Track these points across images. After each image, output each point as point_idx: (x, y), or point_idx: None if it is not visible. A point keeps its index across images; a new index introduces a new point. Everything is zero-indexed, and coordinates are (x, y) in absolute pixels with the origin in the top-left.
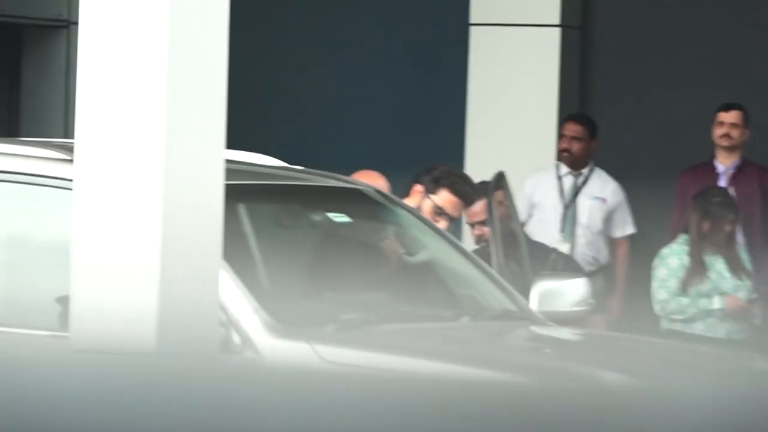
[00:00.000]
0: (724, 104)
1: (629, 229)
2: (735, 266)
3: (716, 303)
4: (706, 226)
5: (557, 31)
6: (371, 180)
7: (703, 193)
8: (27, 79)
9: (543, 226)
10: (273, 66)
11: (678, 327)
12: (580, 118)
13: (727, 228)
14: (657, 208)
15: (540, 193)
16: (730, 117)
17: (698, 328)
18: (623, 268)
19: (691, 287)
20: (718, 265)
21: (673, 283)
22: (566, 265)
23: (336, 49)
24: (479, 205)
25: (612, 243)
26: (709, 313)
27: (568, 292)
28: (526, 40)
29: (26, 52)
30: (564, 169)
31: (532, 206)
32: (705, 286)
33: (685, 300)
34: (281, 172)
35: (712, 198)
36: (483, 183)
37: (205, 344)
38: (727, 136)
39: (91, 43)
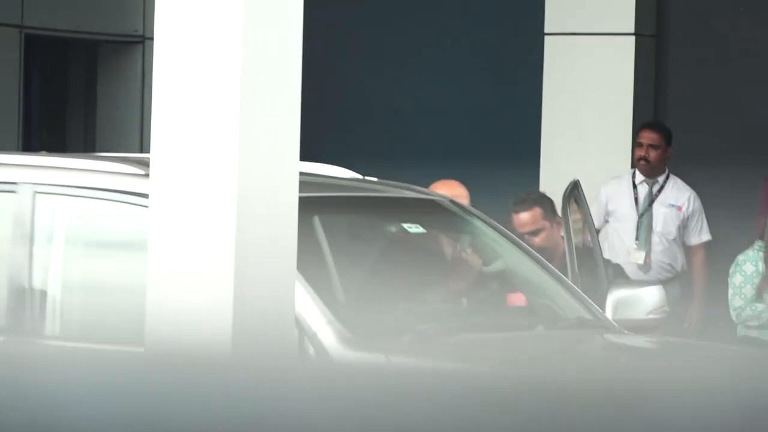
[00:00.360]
0: None
1: (705, 237)
2: None
3: None
4: None
5: (632, 39)
6: (451, 189)
7: None
8: (103, 94)
9: (618, 235)
10: (348, 76)
11: (754, 333)
12: (656, 125)
13: None
14: (739, 215)
15: (615, 201)
16: None
17: None
18: (700, 276)
19: (766, 293)
20: None
21: (749, 290)
22: (615, 275)
23: (411, 58)
24: (527, 216)
25: (688, 251)
26: None
27: (644, 300)
28: (600, 49)
29: (102, 67)
30: (639, 177)
31: (608, 214)
32: None
33: (760, 306)
34: (355, 184)
35: None
36: (529, 193)
37: (282, 355)
38: None
39: (166, 57)
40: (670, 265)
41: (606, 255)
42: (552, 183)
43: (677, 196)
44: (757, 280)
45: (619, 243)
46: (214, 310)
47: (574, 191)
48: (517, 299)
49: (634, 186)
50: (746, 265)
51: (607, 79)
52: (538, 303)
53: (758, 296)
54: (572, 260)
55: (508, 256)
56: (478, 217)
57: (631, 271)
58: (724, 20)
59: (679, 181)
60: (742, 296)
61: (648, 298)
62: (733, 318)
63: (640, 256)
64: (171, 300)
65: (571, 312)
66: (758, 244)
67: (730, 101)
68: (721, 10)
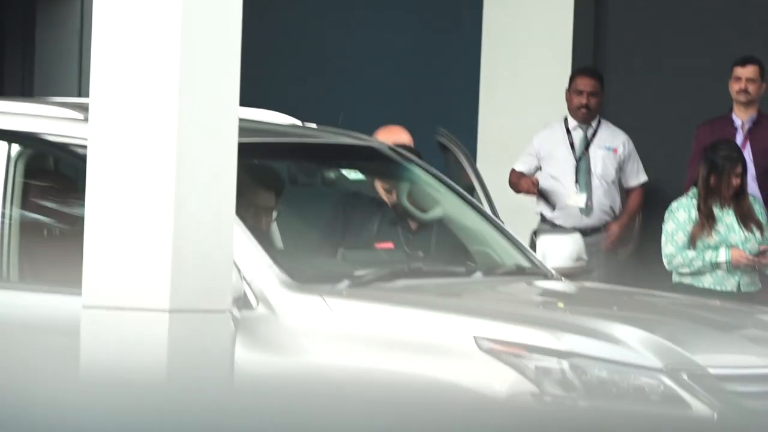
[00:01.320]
0: (740, 58)
1: (643, 178)
2: (746, 219)
3: (722, 255)
4: (713, 179)
5: None
6: (395, 134)
7: (711, 146)
8: (41, 37)
9: (556, 180)
10: (288, 19)
11: (687, 280)
12: (593, 72)
13: (735, 181)
14: (674, 162)
15: (549, 148)
16: (746, 72)
17: (707, 281)
18: (633, 209)
19: (698, 240)
20: (727, 218)
21: (681, 237)
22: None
23: (353, 4)
24: None
25: (626, 194)
26: (716, 266)
27: (568, 247)
28: None
29: (40, 9)
30: (573, 122)
31: (540, 160)
32: (712, 239)
33: (691, 253)
34: (295, 130)
35: (719, 151)
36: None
37: (220, 300)
38: (744, 91)
39: (105, 3)
40: (610, 207)
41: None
42: (490, 130)
43: (612, 139)
44: (689, 227)
45: (558, 188)
46: (153, 255)
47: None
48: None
49: (568, 132)
50: (679, 212)
51: (546, 26)
52: (476, 250)
53: (691, 243)
54: (487, 203)
55: (447, 203)
56: (417, 164)
57: (572, 214)
58: None
59: (611, 125)
60: (674, 243)
61: (572, 246)
62: (666, 265)
63: (581, 199)
64: (109, 244)
65: (509, 259)
66: (693, 191)
67: (670, 49)
68: None
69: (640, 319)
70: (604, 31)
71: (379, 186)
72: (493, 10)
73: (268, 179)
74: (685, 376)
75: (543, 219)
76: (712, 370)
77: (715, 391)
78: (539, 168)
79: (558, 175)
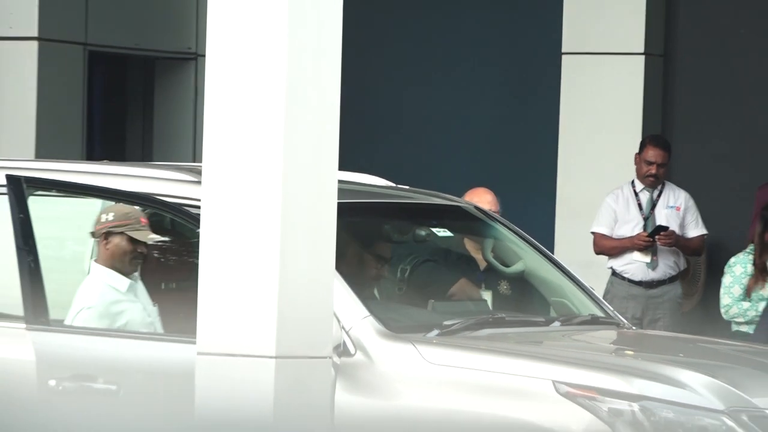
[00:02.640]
0: None
1: (702, 230)
2: None
3: None
4: (767, 236)
5: (641, 58)
6: (479, 196)
7: (766, 206)
8: (159, 107)
9: (630, 236)
10: (382, 92)
11: (744, 329)
12: (663, 143)
13: None
14: (737, 221)
15: (621, 209)
16: None
17: None
18: (690, 245)
19: (753, 292)
20: None
21: (737, 290)
22: None
23: (439, 74)
24: None
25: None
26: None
27: None
28: (612, 67)
29: (158, 82)
30: (639, 185)
31: (616, 218)
32: (766, 291)
33: (746, 304)
34: (389, 191)
35: None
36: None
37: (321, 347)
38: None
39: (216, 73)
40: (674, 262)
41: (617, 257)
42: (567, 190)
43: (675, 198)
44: (745, 281)
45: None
46: (260, 307)
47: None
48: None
49: (636, 194)
50: (736, 267)
51: (619, 95)
52: (554, 300)
53: (746, 295)
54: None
55: (528, 258)
56: (501, 223)
57: (640, 269)
58: (726, 41)
59: (673, 185)
60: (731, 295)
61: None
62: (723, 315)
63: (647, 256)
64: (221, 297)
65: (584, 309)
66: (750, 247)
67: (730, 115)
68: (723, 32)
69: (704, 365)
70: (671, 98)
71: (469, 244)
72: (570, 78)
73: (371, 238)
74: (745, 418)
75: (614, 273)
76: None
77: None
78: (616, 223)
79: (627, 233)
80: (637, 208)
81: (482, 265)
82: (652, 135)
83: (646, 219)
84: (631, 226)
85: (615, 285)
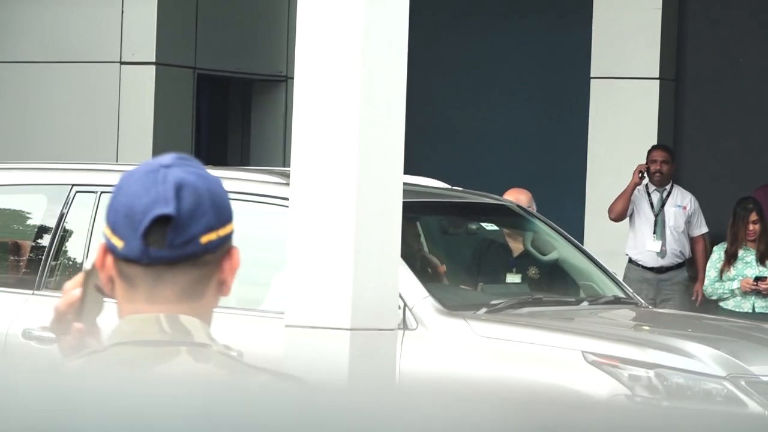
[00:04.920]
0: None
1: (704, 229)
2: (763, 257)
3: (735, 284)
4: (735, 226)
5: (656, 83)
6: (518, 194)
7: (737, 202)
8: (255, 122)
9: (643, 229)
10: (438, 109)
11: (729, 306)
12: (665, 146)
13: (751, 227)
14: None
15: (638, 205)
16: None
17: (730, 304)
18: (702, 260)
19: (724, 274)
20: (747, 257)
21: (712, 273)
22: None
23: (487, 94)
24: None
25: (692, 241)
26: (732, 293)
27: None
28: (633, 90)
29: (255, 101)
30: (651, 187)
31: (633, 205)
32: (731, 273)
33: (718, 284)
34: (446, 192)
35: (741, 204)
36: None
37: (389, 321)
38: None
39: (303, 94)
40: (680, 252)
41: (630, 244)
42: (595, 193)
43: (682, 199)
44: (719, 265)
45: (640, 236)
46: (338, 288)
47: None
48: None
49: (649, 194)
50: (714, 255)
51: (638, 113)
52: (583, 284)
53: (719, 277)
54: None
55: (562, 248)
56: (538, 218)
57: (651, 257)
58: (729, 66)
59: (681, 188)
60: (708, 277)
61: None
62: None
63: (657, 246)
64: (306, 279)
65: (608, 291)
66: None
67: (732, 129)
68: (727, 58)
69: (708, 338)
70: (681, 115)
71: (507, 235)
72: (598, 98)
73: (430, 231)
74: (743, 383)
75: (630, 260)
76: (764, 378)
77: (767, 394)
78: (631, 215)
79: (640, 227)
80: (649, 206)
81: (516, 252)
82: (655, 144)
83: (656, 216)
84: (643, 220)
85: (631, 270)
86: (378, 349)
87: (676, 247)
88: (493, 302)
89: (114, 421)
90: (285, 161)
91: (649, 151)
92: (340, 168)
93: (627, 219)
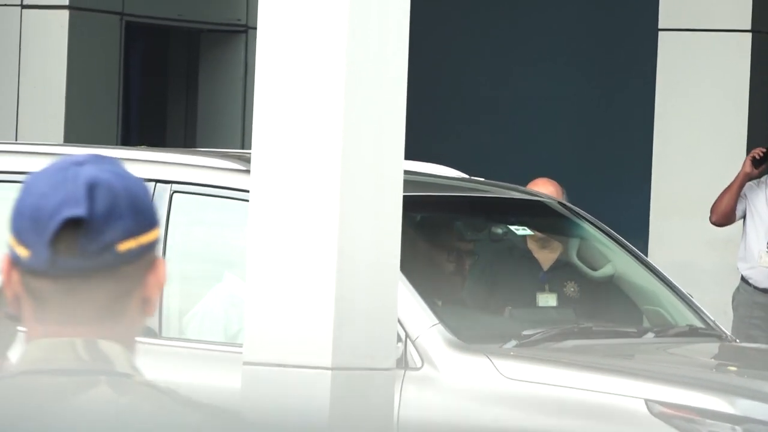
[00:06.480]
0: None
1: None
2: None
3: None
4: None
5: (748, 36)
6: (542, 187)
7: None
8: (204, 85)
9: (756, 236)
10: (453, 72)
11: None
12: None
13: None
14: None
15: (754, 201)
16: None
17: None
18: None
19: None
20: None
21: None
22: None
23: (518, 52)
24: None
25: None
26: None
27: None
28: (715, 46)
29: (203, 57)
30: None
31: (744, 213)
32: None
33: None
34: (461, 184)
35: None
36: None
37: (384, 358)
38: None
39: (269, 49)
40: None
41: (740, 256)
42: (664, 183)
43: None
44: None
45: (752, 246)
46: (316, 312)
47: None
48: None
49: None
50: None
51: (722, 77)
52: (648, 309)
53: None
54: None
55: (618, 261)
56: (587, 220)
57: (764, 275)
58: None
59: None
60: None
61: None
62: None
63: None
64: (270, 299)
65: (682, 319)
66: None
67: None
68: None
69: None
70: None
71: (531, 241)
72: (667, 57)
73: (437, 233)
74: None
75: (742, 278)
76: None
77: None
78: (743, 216)
79: (752, 233)
80: (766, 205)
81: (546, 265)
82: None
83: None
84: (756, 224)
85: (740, 291)
86: (369, 395)
87: None
88: (525, 333)
89: None
90: (244, 141)
91: None
92: (319, 151)
93: (740, 222)
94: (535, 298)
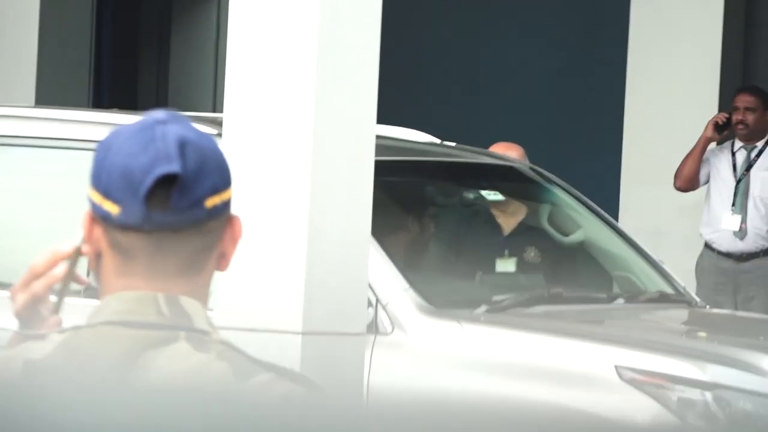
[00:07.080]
0: None
1: None
2: None
3: None
4: None
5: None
6: (505, 150)
7: None
8: (176, 48)
9: (720, 200)
10: (426, 36)
11: None
12: (752, 89)
13: None
14: None
15: (717, 165)
16: None
17: None
18: None
19: None
20: None
21: None
22: None
23: (491, 17)
24: None
25: None
26: None
27: None
28: (687, 10)
29: (176, 19)
30: (738, 144)
31: (710, 177)
32: None
33: None
34: (433, 149)
35: None
36: None
37: (352, 324)
38: None
39: (241, 9)
40: (767, 232)
41: (704, 221)
42: (635, 149)
43: None
44: None
45: (715, 210)
46: (286, 277)
47: None
48: None
49: (733, 153)
50: None
51: (694, 42)
52: (618, 275)
53: None
54: None
55: (589, 227)
56: (559, 185)
57: (726, 238)
58: None
59: None
60: None
61: None
62: None
63: (735, 222)
64: (240, 264)
65: (652, 286)
66: None
67: None
68: None
69: None
70: (753, 48)
71: (494, 207)
72: (639, 22)
73: (408, 198)
74: None
75: (705, 243)
76: None
77: None
78: (707, 181)
79: (716, 197)
80: (731, 168)
81: (507, 229)
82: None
83: (738, 181)
84: (719, 187)
85: (704, 257)
86: (339, 360)
87: (761, 225)
88: (495, 298)
89: (98, 410)
90: (216, 104)
91: (734, 96)
92: (291, 115)
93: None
94: (494, 265)
